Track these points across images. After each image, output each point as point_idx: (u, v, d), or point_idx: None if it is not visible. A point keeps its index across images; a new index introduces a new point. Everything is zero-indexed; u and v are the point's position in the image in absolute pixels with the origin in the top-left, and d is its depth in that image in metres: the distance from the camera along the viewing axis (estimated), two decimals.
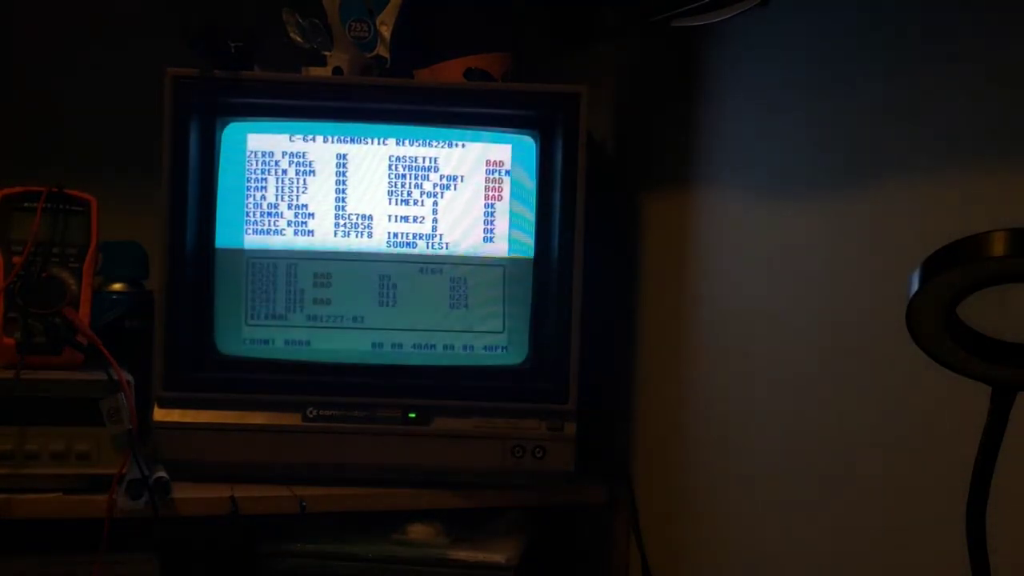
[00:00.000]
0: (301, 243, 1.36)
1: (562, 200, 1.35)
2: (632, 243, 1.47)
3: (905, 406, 0.93)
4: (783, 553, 1.11)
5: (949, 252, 0.60)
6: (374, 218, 1.37)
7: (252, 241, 1.36)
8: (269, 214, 1.36)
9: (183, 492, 1.27)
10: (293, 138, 1.36)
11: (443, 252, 1.37)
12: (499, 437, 1.36)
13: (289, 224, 1.36)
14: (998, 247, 0.58)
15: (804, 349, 1.09)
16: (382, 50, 1.41)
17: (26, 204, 1.28)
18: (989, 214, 0.82)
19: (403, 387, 1.36)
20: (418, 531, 1.36)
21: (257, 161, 1.36)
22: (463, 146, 1.37)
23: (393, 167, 1.37)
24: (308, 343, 1.37)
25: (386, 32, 1.41)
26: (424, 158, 1.37)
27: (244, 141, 1.35)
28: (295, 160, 1.36)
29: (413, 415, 1.35)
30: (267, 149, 1.36)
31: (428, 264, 1.37)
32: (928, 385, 0.88)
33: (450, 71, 1.45)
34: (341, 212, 1.37)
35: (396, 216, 1.37)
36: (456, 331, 1.38)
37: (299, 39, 1.40)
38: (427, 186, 1.37)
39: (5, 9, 1.61)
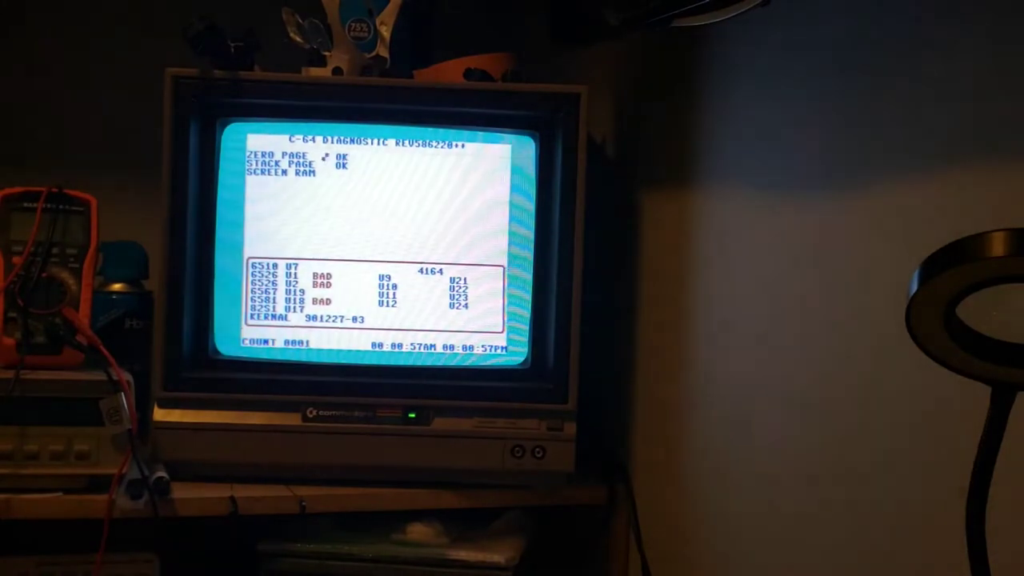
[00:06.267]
0: (301, 243, 1.36)
1: (562, 200, 1.35)
2: (632, 243, 1.47)
3: (905, 406, 0.93)
4: (783, 553, 1.12)
5: (949, 252, 0.60)
6: (373, 219, 1.37)
7: (252, 241, 1.36)
8: (269, 215, 1.36)
9: (183, 492, 1.27)
10: (293, 138, 1.36)
11: (443, 252, 1.37)
12: (499, 437, 1.36)
13: (288, 225, 1.36)
14: (998, 247, 0.58)
15: (804, 349, 1.09)
16: (382, 50, 1.41)
17: (26, 204, 1.28)
18: (989, 214, 0.82)
19: (403, 387, 1.36)
20: (418, 531, 1.36)
21: (257, 161, 1.36)
22: (463, 146, 1.37)
23: (393, 167, 1.37)
24: (308, 343, 1.37)
25: (386, 32, 1.41)
26: (424, 158, 1.37)
27: (244, 141, 1.35)
28: (295, 160, 1.36)
29: (413, 415, 1.35)
30: (267, 149, 1.36)
31: (428, 264, 1.37)
32: (928, 385, 0.88)
33: (450, 71, 1.45)
34: (341, 212, 1.37)
35: (396, 216, 1.37)
36: (456, 331, 1.38)
37: (299, 39, 1.40)
38: (427, 186, 1.37)
39: (5, 10, 1.61)
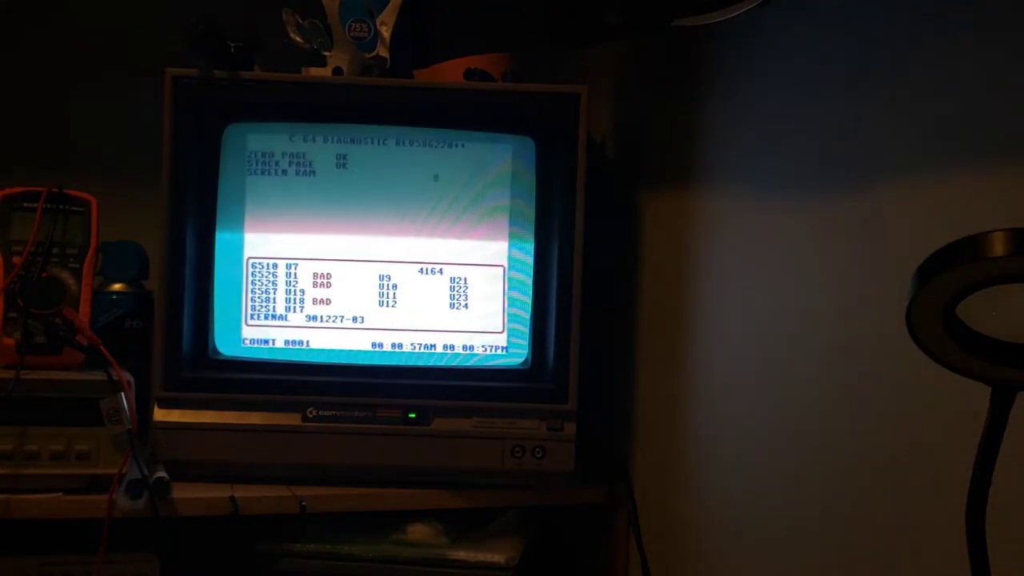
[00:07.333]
0: (301, 243, 1.36)
1: (562, 200, 1.35)
2: (632, 243, 1.47)
3: (905, 406, 0.93)
4: (783, 552, 1.12)
5: (949, 252, 0.60)
6: (373, 219, 1.37)
7: (252, 241, 1.36)
8: (269, 215, 1.36)
9: (183, 492, 1.27)
10: (293, 138, 1.36)
11: (443, 252, 1.37)
12: (499, 437, 1.36)
13: (288, 225, 1.36)
14: (998, 247, 0.58)
15: (804, 349, 1.09)
16: (382, 50, 1.41)
17: (26, 204, 1.28)
18: (989, 214, 0.82)
19: (403, 387, 1.36)
20: (418, 531, 1.36)
21: (257, 161, 1.36)
22: (463, 146, 1.37)
23: (393, 167, 1.37)
24: (308, 343, 1.37)
25: (386, 32, 1.41)
26: (424, 158, 1.37)
27: (244, 141, 1.35)
28: (295, 160, 1.36)
29: (413, 415, 1.35)
30: (267, 149, 1.36)
31: (428, 264, 1.37)
32: (928, 385, 0.88)
33: (450, 71, 1.45)
34: (341, 213, 1.37)
35: (396, 216, 1.37)
36: (456, 331, 1.38)
37: (299, 39, 1.40)
38: (427, 186, 1.37)
39: (6, 10, 1.61)
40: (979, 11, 0.86)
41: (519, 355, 1.38)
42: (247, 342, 1.37)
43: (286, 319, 1.37)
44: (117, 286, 1.48)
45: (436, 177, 1.37)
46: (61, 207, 1.28)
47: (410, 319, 1.37)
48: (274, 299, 1.37)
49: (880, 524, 0.96)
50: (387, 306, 1.37)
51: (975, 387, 0.66)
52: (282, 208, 1.36)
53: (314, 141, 1.36)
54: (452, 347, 1.38)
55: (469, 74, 1.42)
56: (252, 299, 1.36)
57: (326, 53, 1.41)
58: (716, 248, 1.26)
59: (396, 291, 1.37)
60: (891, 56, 0.96)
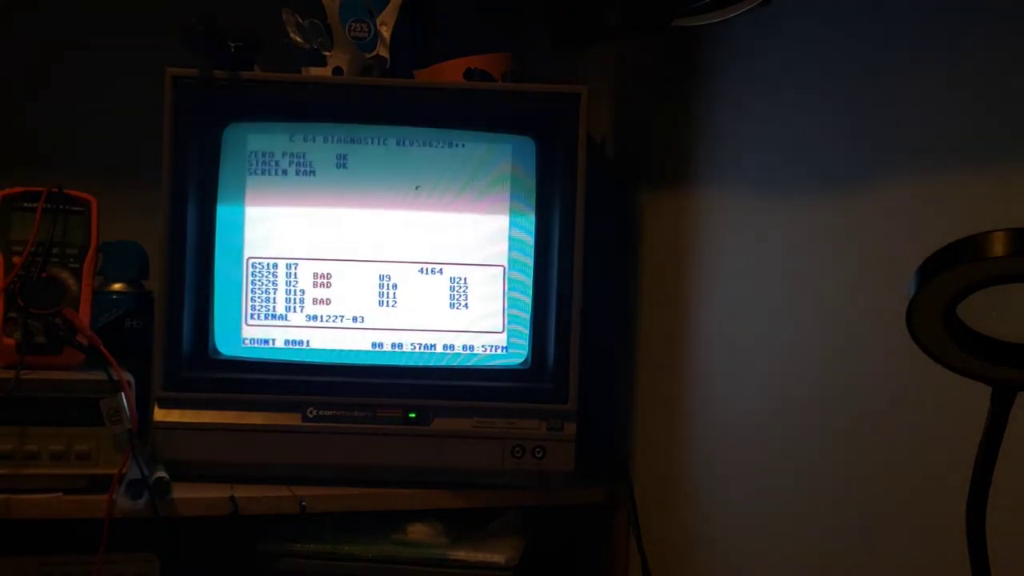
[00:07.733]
0: (301, 243, 1.36)
1: (562, 200, 1.35)
2: (632, 243, 1.47)
3: (905, 406, 0.93)
4: (782, 554, 1.11)
5: (949, 252, 0.60)
6: (374, 219, 1.37)
7: (252, 241, 1.36)
8: (269, 215, 1.36)
9: (183, 492, 1.27)
10: (293, 138, 1.36)
11: (443, 252, 1.37)
12: (499, 437, 1.36)
13: (289, 225, 1.36)
14: (998, 247, 0.58)
15: (804, 349, 1.09)
16: (382, 50, 1.41)
17: (26, 204, 1.28)
18: (989, 214, 0.82)
19: (403, 387, 1.36)
20: (418, 531, 1.36)
21: (257, 161, 1.36)
22: (463, 146, 1.37)
23: (393, 167, 1.37)
24: (308, 343, 1.37)
25: (386, 32, 1.41)
26: (424, 158, 1.37)
27: (244, 141, 1.35)
28: (295, 160, 1.36)
29: (413, 415, 1.35)
30: (267, 149, 1.36)
31: (428, 264, 1.37)
32: (928, 385, 0.88)
33: (450, 71, 1.45)
34: (341, 212, 1.37)
35: (396, 216, 1.37)
36: (456, 331, 1.38)
37: (299, 39, 1.40)
38: (427, 187, 1.37)
39: (6, 8, 1.61)
40: (979, 11, 0.86)
41: (519, 355, 1.38)
42: (247, 342, 1.37)
43: (286, 319, 1.37)
44: (117, 286, 1.48)
45: (436, 177, 1.37)
46: (61, 207, 1.28)
47: (410, 319, 1.37)
48: (274, 299, 1.37)
49: (879, 523, 0.96)
50: (387, 306, 1.37)
51: (975, 387, 0.66)
52: (282, 208, 1.36)
53: (314, 141, 1.36)
54: (452, 347, 1.38)
55: (469, 74, 1.42)
56: (252, 299, 1.36)
57: (326, 53, 1.41)
58: (716, 248, 1.26)
59: (396, 291, 1.37)
60: (891, 56, 0.96)
